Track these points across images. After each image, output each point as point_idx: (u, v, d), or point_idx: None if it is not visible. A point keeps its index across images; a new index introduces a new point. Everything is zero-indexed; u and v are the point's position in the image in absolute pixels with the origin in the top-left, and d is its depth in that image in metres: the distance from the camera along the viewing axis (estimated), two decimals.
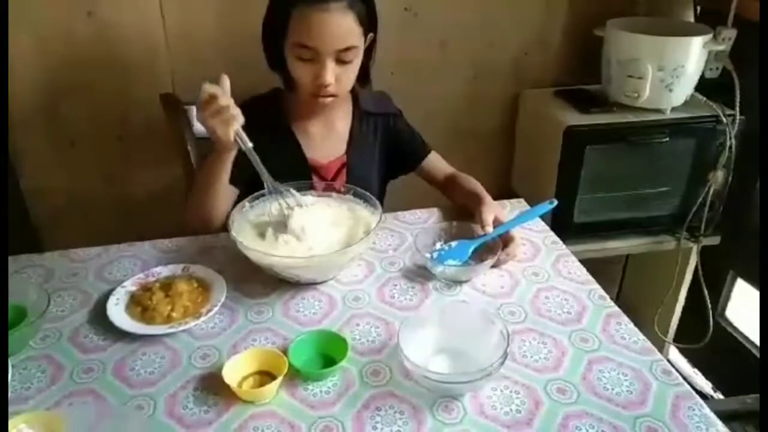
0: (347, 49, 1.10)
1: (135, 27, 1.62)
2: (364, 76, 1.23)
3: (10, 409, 0.80)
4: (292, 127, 1.26)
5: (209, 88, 0.98)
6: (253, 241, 1.04)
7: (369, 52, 1.20)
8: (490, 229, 1.12)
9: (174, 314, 0.97)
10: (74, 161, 1.75)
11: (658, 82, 1.62)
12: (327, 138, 1.29)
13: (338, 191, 1.16)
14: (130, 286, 1.04)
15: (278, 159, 1.23)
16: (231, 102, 1.00)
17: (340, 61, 1.12)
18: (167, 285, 1.02)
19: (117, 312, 0.98)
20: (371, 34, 1.17)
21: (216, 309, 0.98)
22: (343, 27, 1.08)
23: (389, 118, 1.34)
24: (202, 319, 0.96)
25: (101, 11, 1.58)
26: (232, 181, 1.16)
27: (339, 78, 1.13)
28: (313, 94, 1.15)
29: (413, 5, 1.74)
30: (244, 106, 1.25)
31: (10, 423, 0.75)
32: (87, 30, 1.59)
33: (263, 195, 1.13)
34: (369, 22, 1.14)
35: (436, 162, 1.39)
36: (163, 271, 1.08)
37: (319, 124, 1.28)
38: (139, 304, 0.99)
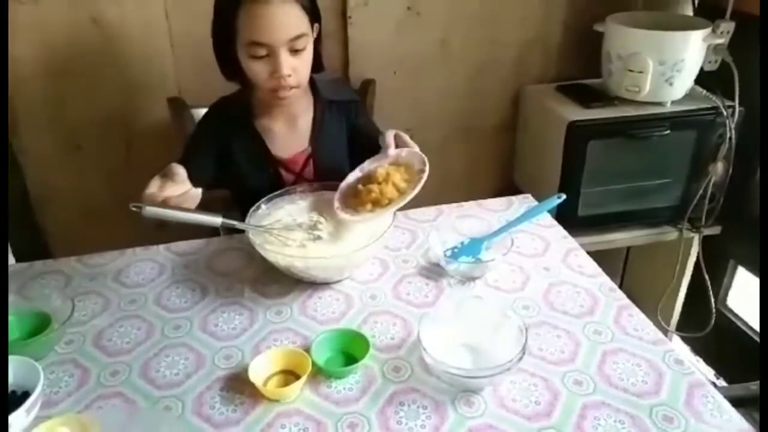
0: (298, 37, 1.11)
1: (140, 31, 1.63)
2: (317, 65, 1.23)
3: (41, 413, 0.82)
4: (255, 126, 1.26)
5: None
6: (270, 242, 1.06)
7: (317, 43, 1.21)
8: (392, 146, 1.12)
9: None
10: (81, 165, 1.77)
11: (658, 76, 1.64)
12: (289, 133, 1.28)
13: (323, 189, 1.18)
14: None
15: (244, 157, 1.26)
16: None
17: (294, 51, 1.12)
18: None
19: None
20: (317, 24, 1.19)
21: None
22: (290, 15, 1.09)
23: (351, 105, 1.34)
24: None
25: (105, 17, 1.59)
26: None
27: (295, 69, 1.14)
28: (273, 89, 1.15)
29: (415, 4, 1.75)
30: (213, 108, 1.29)
31: (46, 426, 0.76)
32: (92, 35, 1.60)
33: (278, 196, 1.16)
34: (312, 10, 1.15)
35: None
36: None
37: (281, 120, 1.27)
38: None
